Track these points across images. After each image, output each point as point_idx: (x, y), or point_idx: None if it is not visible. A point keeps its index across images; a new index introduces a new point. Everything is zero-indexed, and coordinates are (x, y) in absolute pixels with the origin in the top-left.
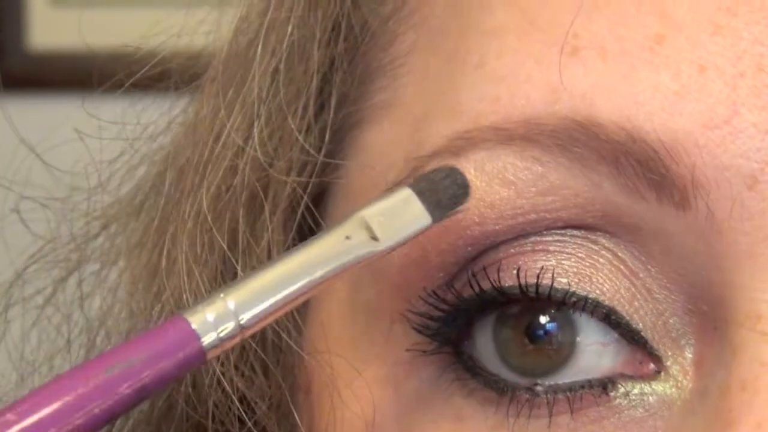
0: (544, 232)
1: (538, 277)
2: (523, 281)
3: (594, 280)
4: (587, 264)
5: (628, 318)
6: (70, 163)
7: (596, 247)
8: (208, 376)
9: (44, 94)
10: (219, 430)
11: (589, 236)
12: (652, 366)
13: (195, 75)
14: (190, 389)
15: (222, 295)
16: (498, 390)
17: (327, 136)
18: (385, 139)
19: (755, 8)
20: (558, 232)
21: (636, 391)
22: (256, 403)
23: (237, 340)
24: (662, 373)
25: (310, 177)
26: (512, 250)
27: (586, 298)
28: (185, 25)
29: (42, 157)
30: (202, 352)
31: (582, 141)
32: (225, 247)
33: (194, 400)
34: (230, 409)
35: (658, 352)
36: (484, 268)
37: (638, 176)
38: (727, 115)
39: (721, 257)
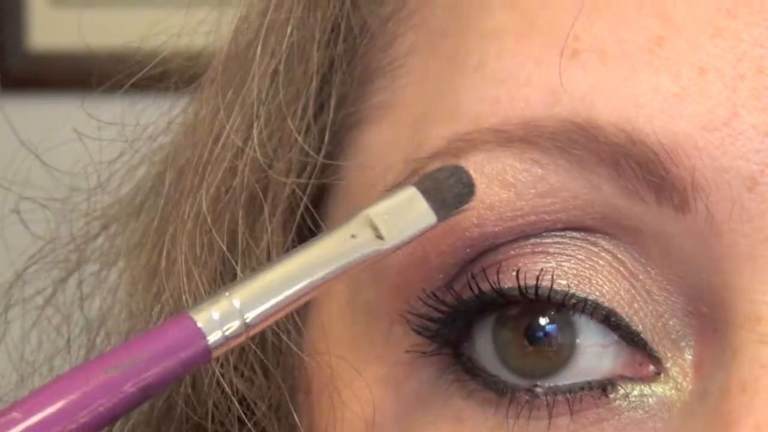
0: (544, 234)
1: (537, 278)
2: (522, 283)
3: (594, 281)
4: (587, 266)
5: (627, 320)
6: (69, 164)
7: (596, 249)
8: (207, 376)
9: (44, 94)
10: (219, 430)
11: (588, 238)
12: (651, 368)
13: (195, 75)
14: (189, 390)
15: (227, 293)
16: (497, 391)
17: (326, 137)
18: (385, 140)
19: (755, 10)
20: (558, 233)
21: (636, 392)
22: (255, 403)
23: (243, 338)
24: (662, 375)
25: (310, 178)
26: (512, 252)
27: (585, 300)
28: (185, 25)
29: (42, 157)
30: (207, 351)
31: (581, 143)
32: (224, 248)
33: (194, 401)
34: (230, 409)
35: (657, 354)
36: (484, 270)
37: (638, 178)
38: (727, 117)
39: (721, 259)
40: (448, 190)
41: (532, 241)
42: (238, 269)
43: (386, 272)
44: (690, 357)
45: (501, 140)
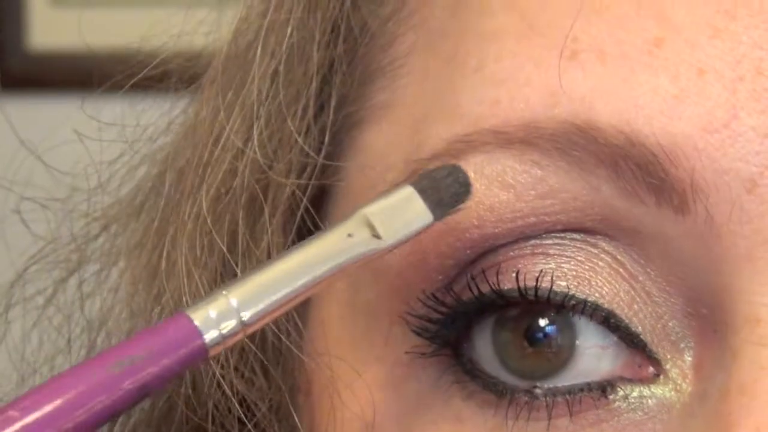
0: (544, 236)
1: (537, 280)
2: (522, 284)
3: (593, 283)
4: (586, 267)
5: (627, 321)
6: (70, 164)
7: (595, 251)
8: (207, 377)
9: (44, 95)
10: None
11: (588, 239)
12: (651, 369)
13: (195, 76)
14: (190, 391)
15: (225, 292)
16: (497, 392)
17: (326, 138)
18: (385, 140)
19: (754, 12)
20: (557, 235)
21: (635, 394)
22: (256, 404)
23: (239, 336)
24: (661, 377)
25: (310, 179)
26: (511, 254)
27: (585, 301)
28: (185, 26)
29: (42, 157)
30: (204, 349)
31: (581, 145)
32: (224, 249)
33: (194, 402)
34: (230, 410)
35: (657, 356)
36: (483, 271)
37: (637, 180)
38: (726, 118)
39: (720, 261)
40: (445, 190)
41: (532, 242)
42: (239, 270)
43: (386, 273)
44: (689, 359)
45: (501, 142)
